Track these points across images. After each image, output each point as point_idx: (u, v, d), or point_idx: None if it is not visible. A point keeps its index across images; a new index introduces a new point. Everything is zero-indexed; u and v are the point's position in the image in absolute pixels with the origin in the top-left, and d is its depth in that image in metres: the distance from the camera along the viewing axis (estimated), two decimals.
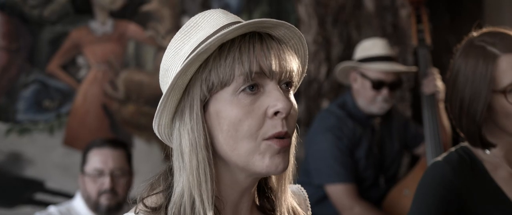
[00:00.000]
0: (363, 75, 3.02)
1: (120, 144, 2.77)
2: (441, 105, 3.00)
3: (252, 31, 1.05)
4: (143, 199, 1.08)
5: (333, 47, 4.05)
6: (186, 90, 1.05)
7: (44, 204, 3.41)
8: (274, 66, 1.03)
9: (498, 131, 1.65)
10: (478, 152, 1.69)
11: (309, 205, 1.28)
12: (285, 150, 1.05)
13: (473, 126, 1.62)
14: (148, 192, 1.11)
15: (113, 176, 2.64)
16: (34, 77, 3.59)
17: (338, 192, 2.94)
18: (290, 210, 1.17)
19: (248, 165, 1.04)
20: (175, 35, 1.11)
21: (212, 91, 1.04)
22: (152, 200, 1.09)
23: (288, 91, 1.08)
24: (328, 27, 4.15)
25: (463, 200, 1.63)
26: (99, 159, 2.65)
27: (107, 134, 3.64)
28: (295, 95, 1.12)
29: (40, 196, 3.54)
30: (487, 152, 1.68)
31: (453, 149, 1.73)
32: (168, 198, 1.07)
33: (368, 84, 2.99)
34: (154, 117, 1.07)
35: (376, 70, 2.99)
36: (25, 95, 3.57)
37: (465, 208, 1.63)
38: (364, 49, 3.10)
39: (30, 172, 3.54)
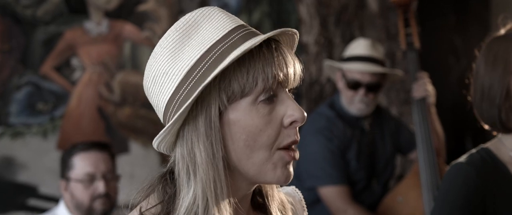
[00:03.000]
0: (343, 75, 3.06)
1: (105, 146, 2.70)
2: (433, 110, 3.01)
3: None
4: (142, 213, 1.06)
5: (335, 48, 4.04)
6: (200, 99, 1.03)
7: (37, 210, 3.41)
8: (291, 74, 1.06)
9: None
10: (501, 154, 1.70)
11: (305, 206, 1.29)
12: (292, 161, 1.08)
13: (493, 109, 1.65)
14: (143, 199, 1.09)
15: (106, 180, 2.58)
16: (27, 79, 3.58)
17: (331, 194, 2.96)
18: (280, 204, 1.19)
19: (260, 174, 1.06)
20: (169, 34, 1.08)
21: (230, 100, 1.03)
22: (150, 211, 1.07)
23: (292, 96, 1.09)
24: (330, 27, 4.15)
25: (486, 202, 1.64)
26: (89, 163, 2.57)
27: (102, 137, 3.63)
28: (296, 97, 1.13)
29: (33, 202, 3.54)
30: (511, 153, 1.68)
31: (474, 150, 1.73)
32: (167, 210, 1.06)
33: (345, 84, 3.03)
34: (161, 132, 1.03)
35: (351, 70, 3.02)
36: (17, 98, 3.57)
37: (488, 210, 1.64)
38: (349, 49, 3.16)
39: (23, 177, 3.53)
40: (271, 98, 1.04)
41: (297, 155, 1.08)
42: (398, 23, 3.08)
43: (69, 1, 3.66)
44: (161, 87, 1.06)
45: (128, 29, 3.77)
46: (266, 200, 1.17)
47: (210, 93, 1.03)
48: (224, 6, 3.87)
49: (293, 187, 1.29)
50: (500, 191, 1.65)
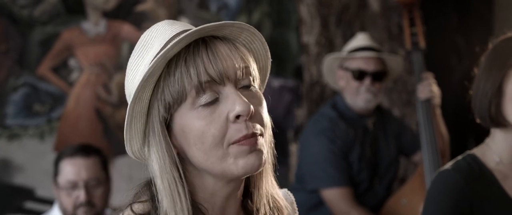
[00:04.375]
0: (346, 69, 3.07)
1: (93, 150, 2.66)
2: (438, 111, 3.01)
3: (196, 38, 1.06)
4: (131, 204, 1.11)
5: (336, 49, 4.04)
6: (148, 114, 1.09)
7: (34, 213, 3.41)
8: (224, 70, 1.05)
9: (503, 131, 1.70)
10: (487, 160, 1.73)
11: (297, 208, 1.30)
12: (256, 148, 1.07)
13: (484, 102, 1.70)
14: (134, 200, 1.13)
15: (88, 188, 2.54)
16: (24, 80, 3.58)
17: (334, 196, 2.96)
18: (270, 203, 1.19)
19: (224, 170, 1.07)
20: (130, 59, 1.14)
21: (170, 110, 1.06)
22: (139, 207, 1.11)
23: (249, 89, 1.09)
24: (331, 27, 4.15)
25: (474, 209, 1.66)
26: (72, 170, 2.54)
27: (100, 139, 3.63)
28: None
29: (30, 205, 3.53)
30: (496, 159, 1.70)
31: (460, 157, 1.76)
32: (154, 208, 1.10)
33: (350, 76, 3.04)
34: (125, 143, 1.11)
35: (356, 57, 3.03)
36: (14, 99, 3.57)
37: None
38: (349, 44, 3.17)
39: (20, 180, 3.53)
40: (210, 98, 1.05)
41: (260, 140, 1.07)
42: (403, 22, 3.08)
43: (66, 1, 3.66)
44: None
45: (126, 29, 3.77)
46: (252, 200, 1.17)
47: (153, 106, 1.07)
48: (224, 7, 3.87)
49: (286, 189, 1.31)
50: (486, 196, 1.68)
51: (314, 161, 3.01)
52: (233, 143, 1.05)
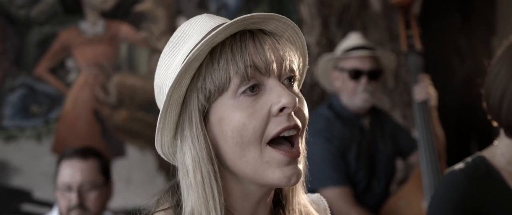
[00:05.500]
0: (341, 69, 3.08)
1: (92, 153, 2.66)
2: (434, 113, 3.03)
3: (242, 29, 1.05)
4: (153, 214, 1.08)
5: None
6: (183, 104, 1.05)
7: None
8: (271, 61, 1.03)
9: None
10: (496, 161, 1.73)
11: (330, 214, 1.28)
12: (296, 161, 1.04)
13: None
14: (156, 208, 1.10)
15: (80, 191, 2.54)
16: (21, 81, 3.58)
17: (333, 196, 2.97)
18: (302, 210, 1.17)
19: (258, 174, 1.03)
20: (164, 49, 1.11)
21: (210, 99, 1.03)
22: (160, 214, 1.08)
23: (292, 86, 1.07)
24: (332, 28, 4.15)
25: (479, 210, 1.67)
26: (67, 173, 2.56)
27: (98, 141, 3.63)
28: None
29: (27, 207, 3.53)
30: (504, 160, 1.71)
31: (469, 158, 1.76)
32: (178, 214, 1.07)
33: (346, 76, 3.05)
34: (155, 136, 1.07)
35: (349, 57, 3.05)
36: (11, 100, 3.57)
37: None
38: (341, 44, 3.18)
39: (17, 181, 3.53)
40: (253, 89, 1.02)
41: (298, 151, 1.04)
42: (399, 24, 3.10)
43: (64, 1, 3.66)
44: (158, 100, 1.12)
45: (125, 29, 3.77)
46: (285, 205, 1.14)
47: (191, 96, 1.04)
48: (224, 6, 3.87)
49: (318, 194, 1.29)
50: (493, 198, 1.69)
51: (312, 162, 3.00)
52: (272, 139, 1.02)
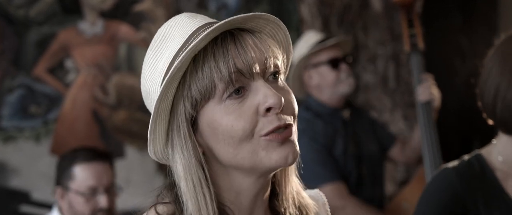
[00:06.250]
0: (316, 65, 3.07)
1: (107, 155, 2.67)
2: (434, 115, 3.01)
3: (222, 31, 1.06)
4: (155, 205, 1.10)
5: None
6: (171, 111, 1.07)
7: None
8: (253, 63, 1.04)
9: None
10: (492, 159, 1.73)
11: (329, 210, 1.30)
12: (289, 140, 1.06)
13: (507, 112, 1.66)
14: (158, 201, 1.12)
15: (108, 193, 2.55)
16: (20, 82, 3.58)
17: (326, 193, 2.96)
18: (296, 202, 1.19)
19: (256, 163, 1.05)
20: (147, 53, 1.12)
21: (197, 107, 1.05)
22: (163, 209, 1.10)
23: (277, 81, 1.09)
24: (333, 28, 4.15)
25: (468, 209, 1.67)
26: (92, 176, 2.54)
27: (97, 141, 3.63)
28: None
29: (25, 208, 3.53)
30: (500, 158, 1.70)
31: (466, 156, 1.77)
32: (179, 210, 1.09)
33: (325, 68, 3.05)
34: (148, 146, 1.08)
35: (322, 50, 3.06)
36: (10, 101, 3.57)
37: None
38: (301, 48, 3.16)
39: (15, 183, 3.53)
40: (239, 91, 1.04)
41: (290, 131, 1.06)
42: (402, 24, 3.08)
43: (63, 1, 3.66)
44: (147, 105, 1.14)
45: (124, 29, 3.77)
46: (278, 200, 1.17)
47: (178, 104, 1.06)
48: (224, 6, 3.87)
49: (317, 190, 1.32)
50: (486, 197, 1.69)
51: (301, 163, 3.01)
52: (265, 135, 1.04)
